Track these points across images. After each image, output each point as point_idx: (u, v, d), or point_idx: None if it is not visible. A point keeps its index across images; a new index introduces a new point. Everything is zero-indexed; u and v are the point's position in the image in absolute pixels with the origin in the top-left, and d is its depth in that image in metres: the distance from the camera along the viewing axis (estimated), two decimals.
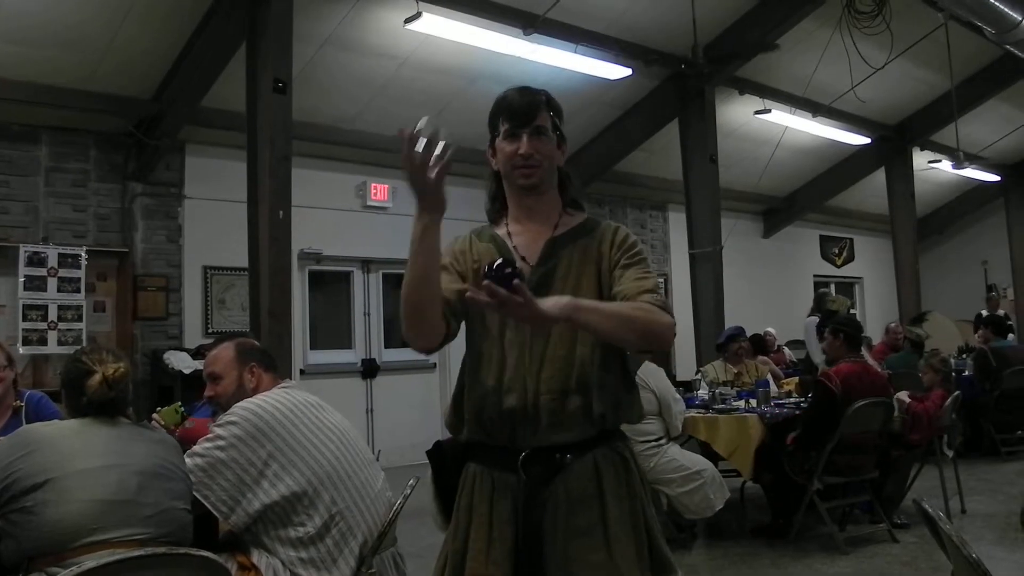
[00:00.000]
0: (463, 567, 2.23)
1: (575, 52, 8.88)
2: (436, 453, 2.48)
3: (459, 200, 9.16)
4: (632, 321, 2.10)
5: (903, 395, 6.40)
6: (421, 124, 1.95)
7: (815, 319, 10.60)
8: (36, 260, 7.94)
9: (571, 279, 2.25)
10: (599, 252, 2.28)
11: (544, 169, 2.28)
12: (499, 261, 1.96)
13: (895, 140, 13.86)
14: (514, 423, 2.17)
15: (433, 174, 1.97)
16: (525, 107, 2.26)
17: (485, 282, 1.89)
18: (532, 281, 2.17)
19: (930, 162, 14.40)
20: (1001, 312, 13.24)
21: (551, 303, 1.99)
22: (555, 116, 2.31)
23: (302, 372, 9.58)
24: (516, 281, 1.89)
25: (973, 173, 14.80)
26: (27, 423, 3.80)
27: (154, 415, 3.63)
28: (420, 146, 1.94)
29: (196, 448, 2.93)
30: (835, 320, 6.70)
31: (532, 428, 2.16)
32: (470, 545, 2.22)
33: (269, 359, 3.32)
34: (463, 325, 2.31)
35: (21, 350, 7.63)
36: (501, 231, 2.36)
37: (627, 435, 2.33)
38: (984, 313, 12.57)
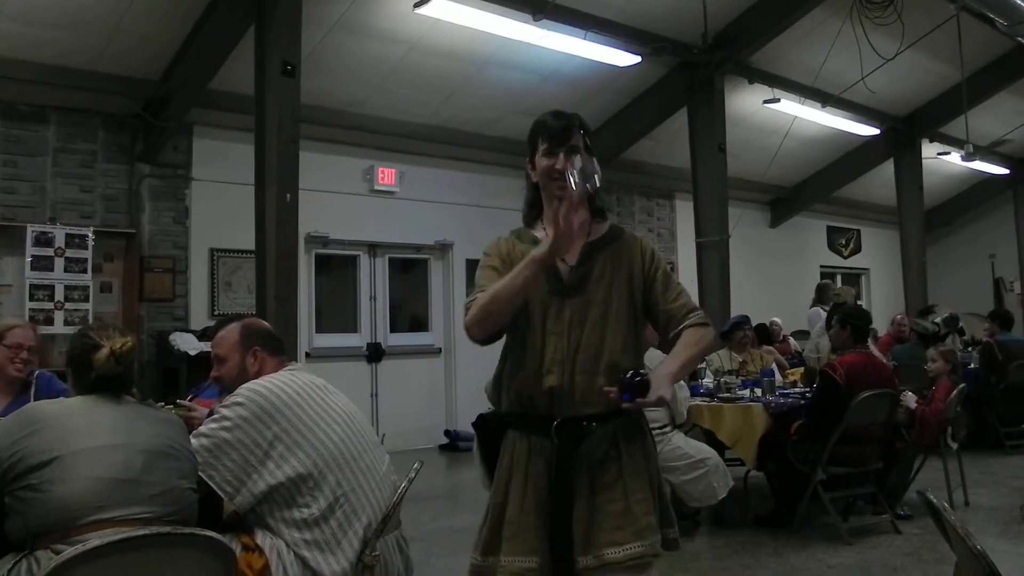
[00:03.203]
0: (503, 515, 2.61)
1: (584, 39, 8.85)
2: (481, 423, 2.91)
3: (467, 184, 9.22)
4: (700, 355, 2.69)
5: (911, 400, 6.38)
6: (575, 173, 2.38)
7: (818, 310, 10.62)
8: (43, 240, 7.95)
9: (605, 280, 2.65)
10: (630, 261, 2.69)
11: None
12: (630, 373, 2.42)
13: (904, 131, 13.82)
14: (552, 398, 2.57)
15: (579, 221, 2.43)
16: (561, 129, 2.64)
17: (624, 398, 2.41)
18: (572, 280, 2.63)
19: (939, 154, 14.35)
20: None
21: (664, 389, 2.42)
22: (586, 136, 2.68)
23: (307, 355, 9.59)
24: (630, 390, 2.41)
25: (982, 166, 14.75)
26: (36, 399, 3.83)
27: None
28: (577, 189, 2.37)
29: (202, 428, 2.94)
30: (844, 311, 6.70)
31: (567, 402, 2.57)
32: (510, 497, 2.62)
33: (275, 343, 3.31)
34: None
35: None
36: (539, 234, 2.70)
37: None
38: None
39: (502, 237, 2.81)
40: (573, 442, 2.57)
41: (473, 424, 2.94)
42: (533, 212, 2.79)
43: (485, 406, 2.90)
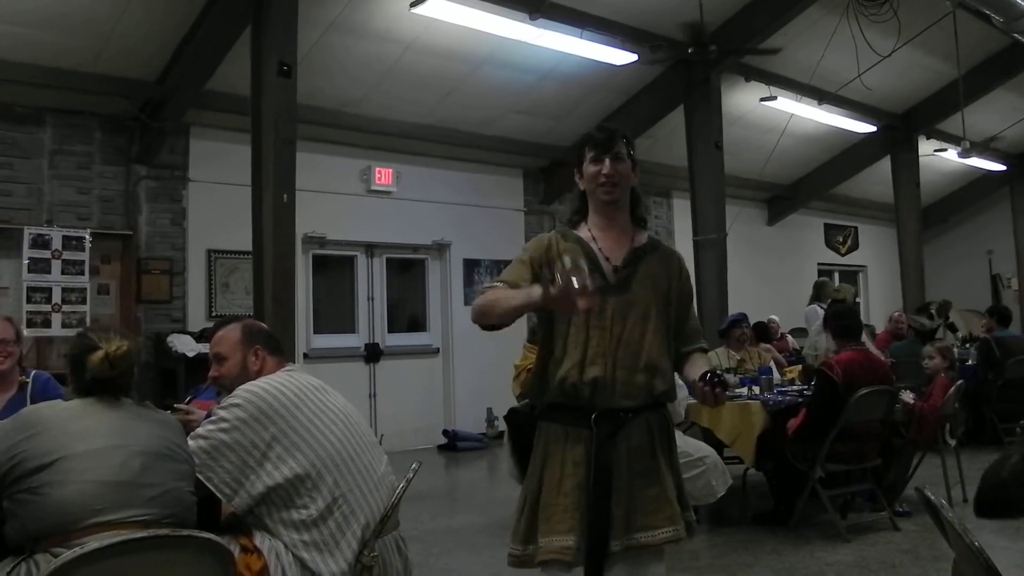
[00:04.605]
0: (539, 500, 2.78)
1: (581, 37, 8.85)
2: (512, 417, 3.25)
3: (464, 184, 9.22)
4: None
5: (908, 397, 6.40)
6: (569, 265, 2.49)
7: (815, 307, 10.64)
8: (40, 242, 7.94)
9: (646, 284, 2.85)
10: (668, 275, 2.92)
11: (622, 187, 2.89)
12: (709, 373, 2.63)
13: (901, 128, 13.81)
14: (594, 388, 2.75)
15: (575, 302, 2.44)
16: (607, 138, 2.87)
17: (706, 387, 2.62)
18: (616, 280, 2.83)
19: (936, 151, 14.34)
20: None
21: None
22: (629, 145, 2.90)
23: (305, 356, 9.59)
24: (720, 386, 2.62)
25: (979, 162, 14.74)
26: (32, 402, 3.83)
27: None
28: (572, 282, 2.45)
29: (200, 430, 2.93)
30: (830, 312, 6.74)
31: (608, 393, 2.76)
32: (544, 482, 2.79)
33: (275, 342, 3.31)
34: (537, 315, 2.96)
35: (25, 332, 7.63)
36: (583, 234, 2.91)
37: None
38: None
39: (547, 234, 2.99)
40: (610, 431, 2.75)
41: (505, 417, 3.20)
42: (577, 217, 2.98)
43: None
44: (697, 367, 2.84)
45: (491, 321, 2.74)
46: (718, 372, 2.65)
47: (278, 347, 3.31)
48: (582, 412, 2.76)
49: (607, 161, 2.82)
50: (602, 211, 2.90)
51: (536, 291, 2.57)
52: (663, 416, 2.88)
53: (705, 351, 3.01)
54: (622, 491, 2.73)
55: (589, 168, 2.86)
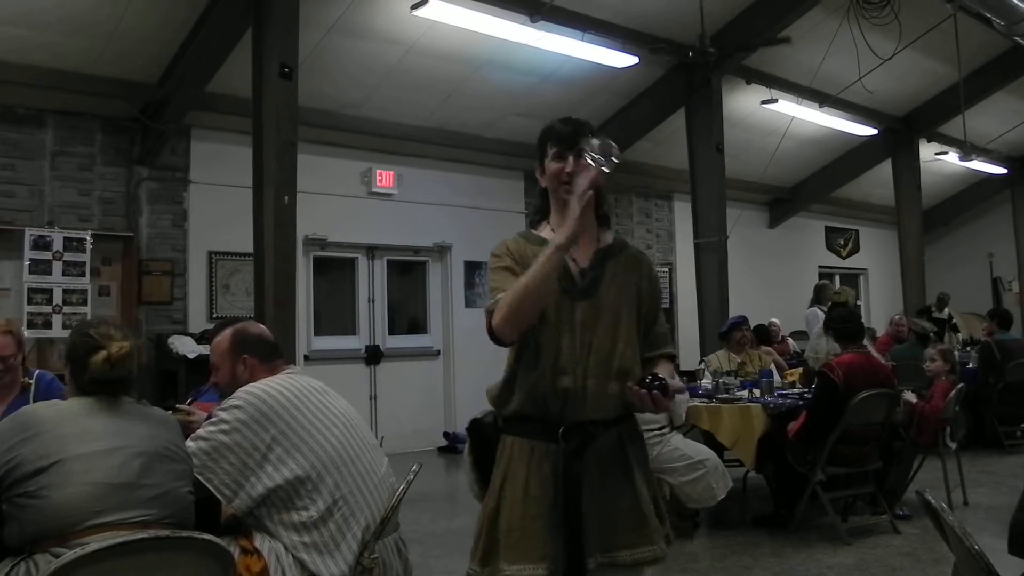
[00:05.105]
0: (499, 522, 2.55)
1: (582, 40, 8.86)
2: (475, 428, 2.82)
3: (465, 186, 9.22)
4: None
5: (910, 396, 6.40)
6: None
7: (816, 310, 10.64)
8: (41, 244, 7.95)
9: (614, 287, 2.63)
10: (638, 274, 2.70)
11: None
12: (650, 376, 2.45)
13: (902, 131, 13.81)
14: (565, 400, 2.53)
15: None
16: (570, 133, 2.64)
17: (643, 391, 2.42)
18: (584, 283, 2.60)
19: (937, 154, 14.34)
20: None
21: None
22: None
23: (306, 358, 9.59)
24: (660, 391, 2.42)
25: (980, 165, 14.74)
26: (35, 401, 3.80)
27: None
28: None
29: (200, 431, 2.93)
30: (829, 316, 6.75)
31: (579, 405, 2.53)
32: (505, 503, 2.55)
33: (267, 348, 3.27)
34: None
35: (26, 333, 7.63)
36: (547, 235, 2.66)
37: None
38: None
39: (509, 238, 2.74)
40: (579, 446, 2.52)
41: (467, 429, 2.84)
42: (538, 216, 2.78)
43: (483, 408, 2.81)
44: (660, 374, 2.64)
45: (531, 312, 2.46)
46: (659, 376, 2.45)
47: (271, 353, 3.26)
48: (549, 425, 2.54)
49: (570, 159, 2.59)
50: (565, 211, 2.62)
51: (556, 237, 2.40)
52: (633, 426, 2.70)
53: (672, 357, 2.79)
54: (594, 508, 2.53)
55: (551, 165, 2.65)
